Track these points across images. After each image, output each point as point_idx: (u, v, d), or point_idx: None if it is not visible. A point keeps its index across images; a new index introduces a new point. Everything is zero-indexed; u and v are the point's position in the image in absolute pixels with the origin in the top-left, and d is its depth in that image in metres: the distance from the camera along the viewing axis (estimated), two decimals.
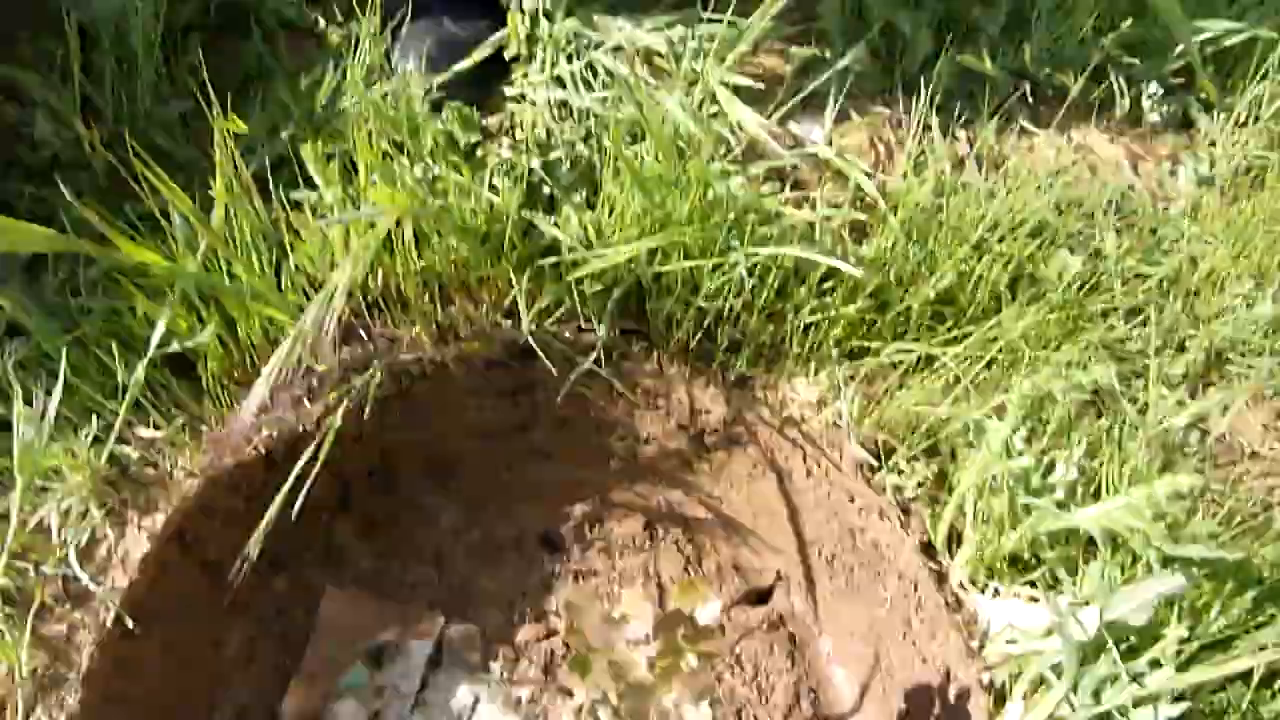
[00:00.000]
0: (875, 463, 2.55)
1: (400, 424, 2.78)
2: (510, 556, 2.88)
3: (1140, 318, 2.78)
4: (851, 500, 2.62)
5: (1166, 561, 1.95)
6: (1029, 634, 2.17)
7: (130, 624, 2.25)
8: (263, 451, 2.52)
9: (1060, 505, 2.13)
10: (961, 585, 2.43)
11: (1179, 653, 1.98)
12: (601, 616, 1.85)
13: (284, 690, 2.58)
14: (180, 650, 2.50)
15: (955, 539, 2.51)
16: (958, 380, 2.49)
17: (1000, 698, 2.24)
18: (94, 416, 2.39)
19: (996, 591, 2.33)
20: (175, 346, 2.49)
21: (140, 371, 2.37)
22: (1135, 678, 1.89)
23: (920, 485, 2.51)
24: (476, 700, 2.62)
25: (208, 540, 2.49)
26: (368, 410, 2.60)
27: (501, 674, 2.67)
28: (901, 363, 2.58)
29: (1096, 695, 1.95)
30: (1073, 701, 1.98)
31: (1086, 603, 2.08)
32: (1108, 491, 2.25)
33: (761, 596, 2.93)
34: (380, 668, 2.65)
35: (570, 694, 2.63)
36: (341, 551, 2.83)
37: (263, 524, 2.30)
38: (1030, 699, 2.11)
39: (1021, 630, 2.19)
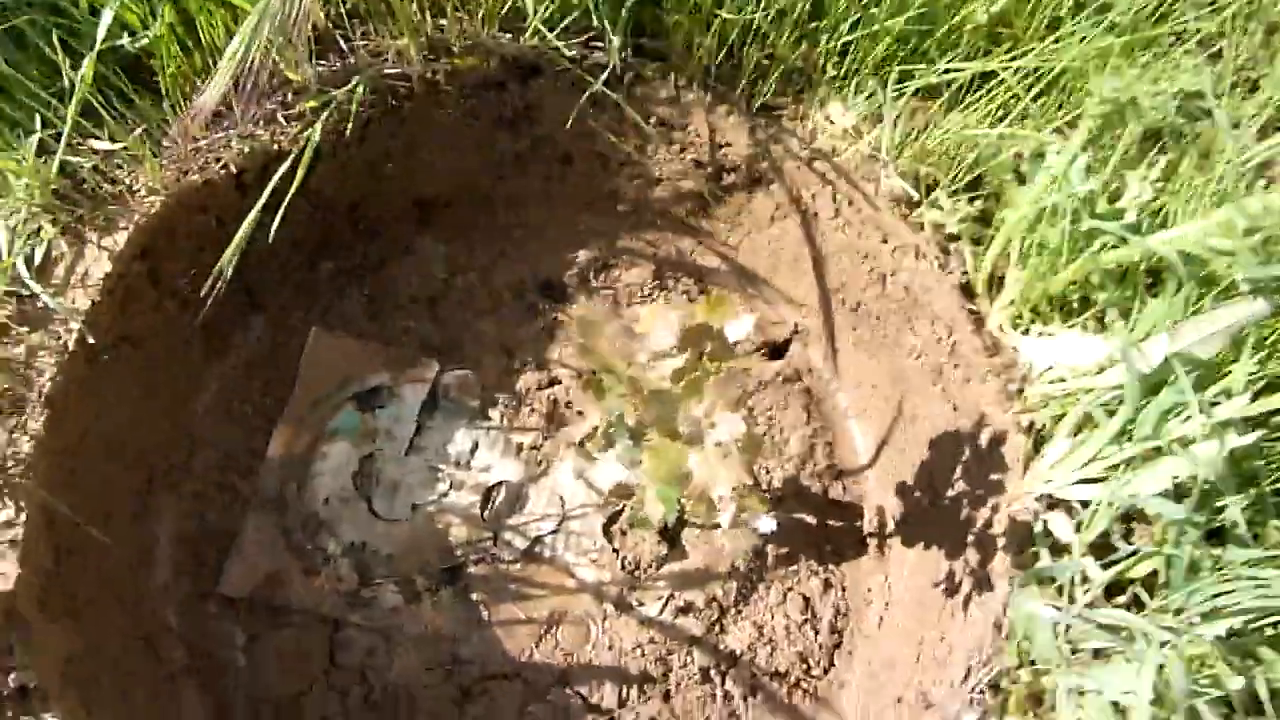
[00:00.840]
0: (915, 195, 2.30)
1: (384, 153, 2.50)
2: (509, 303, 2.66)
3: (1213, 49, 2.47)
4: (885, 241, 2.38)
5: (1255, 289, 1.75)
6: (1078, 371, 1.99)
7: (93, 344, 2.04)
8: (234, 171, 2.24)
9: (1131, 230, 1.90)
10: (1001, 329, 2.24)
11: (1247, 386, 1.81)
12: (619, 330, 1.64)
13: (269, 435, 2.41)
14: (153, 387, 2.31)
15: (996, 282, 2.29)
16: (1015, 100, 2.20)
17: (1039, 442, 2.08)
18: (38, 119, 2.09)
19: (1039, 335, 2.13)
20: (126, 42, 2.17)
21: (87, 68, 2.05)
22: (1204, 408, 1.72)
23: (962, 222, 2.27)
24: (475, 446, 2.47)
25: (175, 264, 2.24)
26: (348, 130, 2.32)
27: (502, 420, 2.50)
28: (953, 82, 2.29)
29: (1156, 429, 1.78)
30: (1130, 434, 1.81)
31: (1147, 336, 1.88)
32: (1178, 220, 2.01)
33: (777, 350, 2.75)
34: (372, 412, 2.48)
35: (580, 417, 2.48)
36: (327, 295, 2.60)
37: (236, 241, 2.06)
38: (1075, 439, 1.95)
39: (1070, 368, 2.00)
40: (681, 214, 2.73)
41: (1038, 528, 1.97)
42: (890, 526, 2.47)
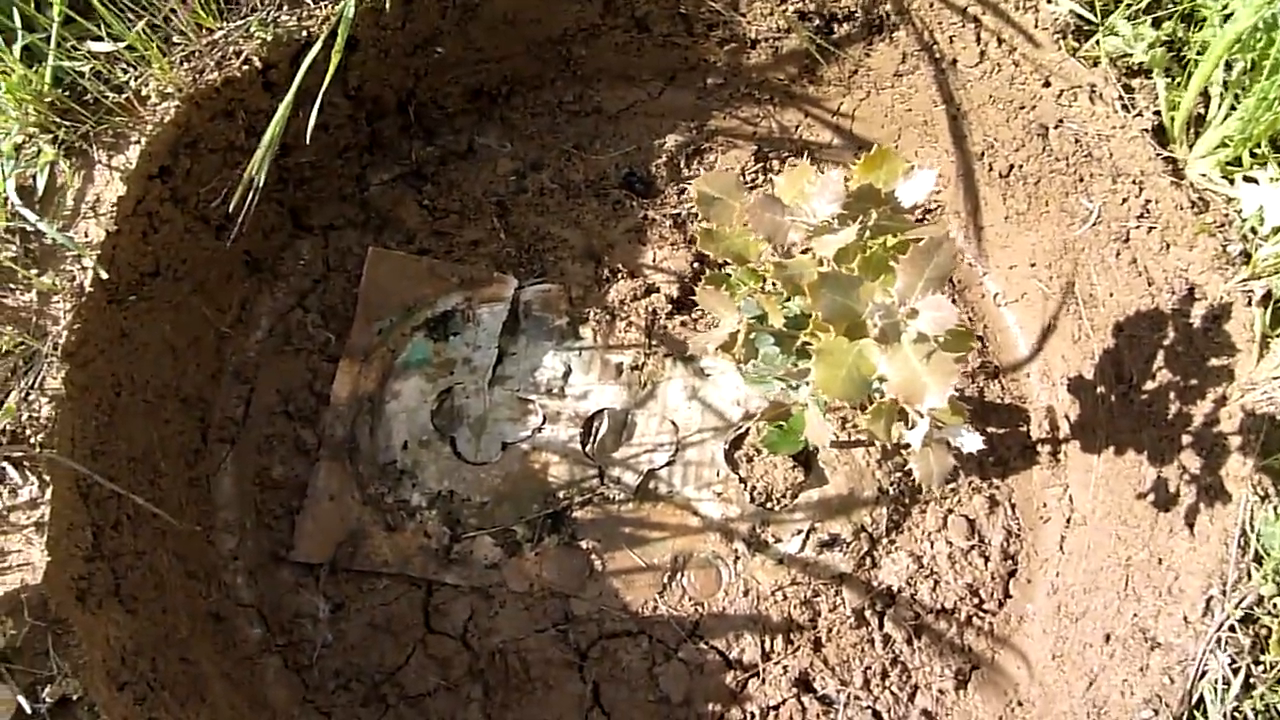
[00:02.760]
0: (1091, 20, 1.82)
1: (433, 33, 2.08)
2: (589, 203, 2.25)
3: None
4: (1047, 84, 1.91)
5: None
6: None
7: (113, 282, 1.69)
8: (257, 65, 1.84)
9: None
10: (1207, 178, 1.77)
11: None
12: (760, 204, 1.23)
13: (332, 374, 2.06)
14: (193, 328, 1.96)
15: (1195, 123, 1.82)
16: None
17: (1276, 315, 1.64)
18: (17, 16, 1.71)
19: (1255, 181, 1.66)
20: None
21: None
22: None
23: (1151, 48, 1.79)
24: (568, 370, 2.09)
25: (201, 182, 1.87)
26: (388, 6, 1.90)
27: (596, 338, 2.12)
28: None
29: None
30: None
31: None
32: None
33: None
34: (446, 339, 2.11)
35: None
36: (382, 209, 2.22)
37: (265, 144, 1.67)
38: None
39: None
40: (784, 81, 2.27)
41: None
42: (1064, 429, 2.05)
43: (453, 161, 2.29)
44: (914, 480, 1.99)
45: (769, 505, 2.00)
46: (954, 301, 2.18)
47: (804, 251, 1.29)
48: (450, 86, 2.23)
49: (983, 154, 2.10)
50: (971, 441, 1.32)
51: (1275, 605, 1.51)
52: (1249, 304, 1.64)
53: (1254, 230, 1.70)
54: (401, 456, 2.01)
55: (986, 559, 1.99)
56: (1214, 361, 1.69)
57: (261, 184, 1.72)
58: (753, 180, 2.28)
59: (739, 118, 2.33)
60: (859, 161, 1.30)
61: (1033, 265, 2.11)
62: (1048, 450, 2.06)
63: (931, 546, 1.99)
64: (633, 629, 1.91)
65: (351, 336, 2.09)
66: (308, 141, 1.78)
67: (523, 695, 1.86)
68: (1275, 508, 1.52)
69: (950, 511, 2.01)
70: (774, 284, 1.26)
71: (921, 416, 1.31)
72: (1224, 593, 1.54)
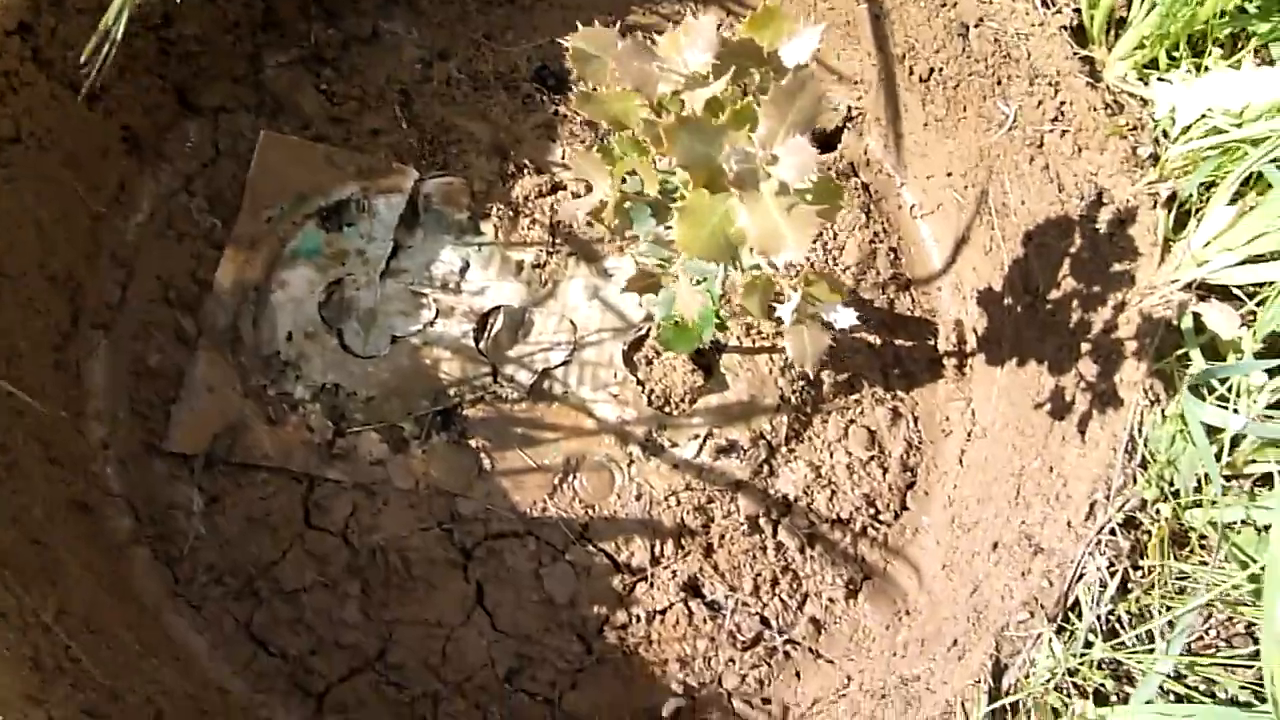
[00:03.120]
0: None
1: None
2: (498, 96, 2.14)
3: None
4: None
5: None
6: (1241, 116, 1.48)
7: None
8: None
9: None
10: (1125, 78, 1.71)
11: None
12: (633, 55, 1.14)
13: (216, 261, 1.95)
14: (66, 205, 1.84)
15: (1115, 25, 1.75)
16: None
17: (1182, 218, 1.59)
18: None
19: (1182, 79, 1.60)
20: None
21: None
22: None
23: None
24: (466, 265, 2.00)
25: (66, 44, 1.74)
26: None
27: (497, 235, 2.02)
28: None
29: None
30: None
31: None
32: None
33: (826, 141, 2.23)
34: (339, 230, 2.01)
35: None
36: (277, 92, 2.09)
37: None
38: (1238, 207, 1.45)
39: (1230, 113, 1.49)
40: None
41: (1185, 323, 1.50)
42: (971, 343, 2.00)
43: (355, 46, 2.16)
44: (818, 391, 1.96)
45: (667, 409, 1.94)
46: (867, 213, 2.12)
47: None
48: None
49: (904, 56, 2.02)
50: (845, 317, 1.26)
51: (1158, 510, 1.48)
52: (1154, 206, 1.59)
53: (1165, 133, 1.64)
54: (286, 348, 1.91)
55: (885, 470, 1.95)
56: (1117, 267, 1.64)
57: (132, 49, 1.60)
58: None
59: (660, 13, 2.22)
60: (750, 16, 1.22)
61: (949, 175, 2.04)
62: (953, 364, 2.01)
63: (830, 456, 1.94)
64: (520, 530, 1.85)
65: (238, 223, 1.98)
66: (186, 8, 1.65)
67: (403, 594, 1.80)
68: (1163, 411, 1.48)
69: (852, 422, 1.97)
70: (647, 142, 1.18)
71: (795, 291, 1.24)
72: (1108, 497, 1.50)
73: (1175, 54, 1.67)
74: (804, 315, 1.23)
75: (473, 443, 1.89)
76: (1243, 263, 1.44)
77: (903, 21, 1.98)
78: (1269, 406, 1.38)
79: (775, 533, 1.89)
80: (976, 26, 1.85)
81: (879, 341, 2.03)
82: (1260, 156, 1.44)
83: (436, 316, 1.96)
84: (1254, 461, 1.42)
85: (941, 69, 1.96)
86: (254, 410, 1.87)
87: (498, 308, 1.97)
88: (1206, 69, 1.55)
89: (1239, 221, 1.44)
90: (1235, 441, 1.42)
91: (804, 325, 1.24)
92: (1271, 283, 1.40)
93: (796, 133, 1.00)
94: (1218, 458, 1.40)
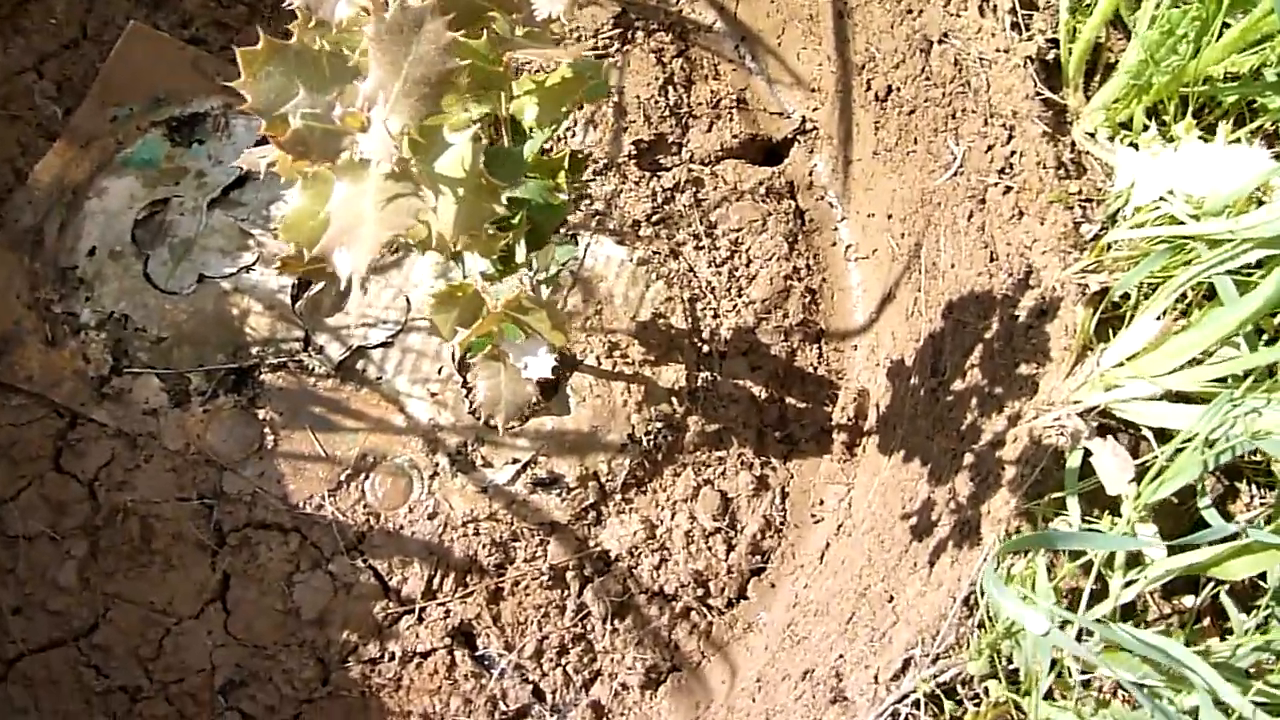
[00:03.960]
0: None
1: None
2: None
3: None
4: None
5: None
6: (1204, 207, 1.10)
7: None
8: None
9: None
10: (1093, 135, 1.34)
11: None
12: None
13: (45, 150, 1.71)
14: None
15: (1104, 70, 1.38)
16: None
17: (1109, 321, 1.22)
18: None
19: (1134, 146, 1.23)
20: None
21: None
22: None
23: None
24: None
25: None
26: None
27: None
28: None
29: None
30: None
31: None
32: None
33: (772, 152, 1.89)
34: (187, 145, 1.75)
35: None
36: None
37: None
38: (1171, 324, 1.09)
39: (1195, 200, 1.11)
40: None
41: (1072, 459, 1.14)
42: (871, 420, 1.65)
43: None
44: (677, 437, 1.63)
45: (490, 422, 1.64)
46: (793, 243, 1.77)
47: None
48: None
49: (863, 67, 1.67)
50: (538, 365, 0.93)
51: (986, 690, 1.13)
52: (1078, 302, 1.23)
53: (1122, 208, 1.27)
54: (85, 264, 1.67)
55: (731, 548, 1.62)
56: (1023, 369, 1.28)
57: None
58: (604, 46, 1.86)
59: None
60: None
61: (889, 217, 1.69)
62: (844, 440, 1.67)
63: (671, 517, 1.62)
64: (286, 524, 1.57)
65: (77, 115, 1.74)
66: None
67: (135, 567, 1.54)
68: (1009, 568, 1.12)
69: (707, 483, 1.64)
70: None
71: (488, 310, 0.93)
72: (928, 656, 1.15)
73: (1162, 113, 1.30)
74: (500, 354, 0.92)
75: (261, 413, 1.62)
76: (1159, 397, 1.08)
77: (865, 24, 1.63)
78: (1123, 610, 1.01)
79: (581, 592, 1.58)
80: (940, 43, 1.49)
81: (765, 395, 1.69)
82: (1213, 263, 1.07)
83: (256, 262, 1.69)
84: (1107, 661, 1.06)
85: (899, 88, 1.60)
86: (33, 324, 1.63)
87: None
88: (1175, 138, 1.17)
89: (1165, 341, 1.07)
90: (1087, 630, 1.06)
91: (501, 366, 0.93)
92: (1188, 435, 1.03)
93: (417, 96, 0.68)
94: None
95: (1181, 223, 1.13)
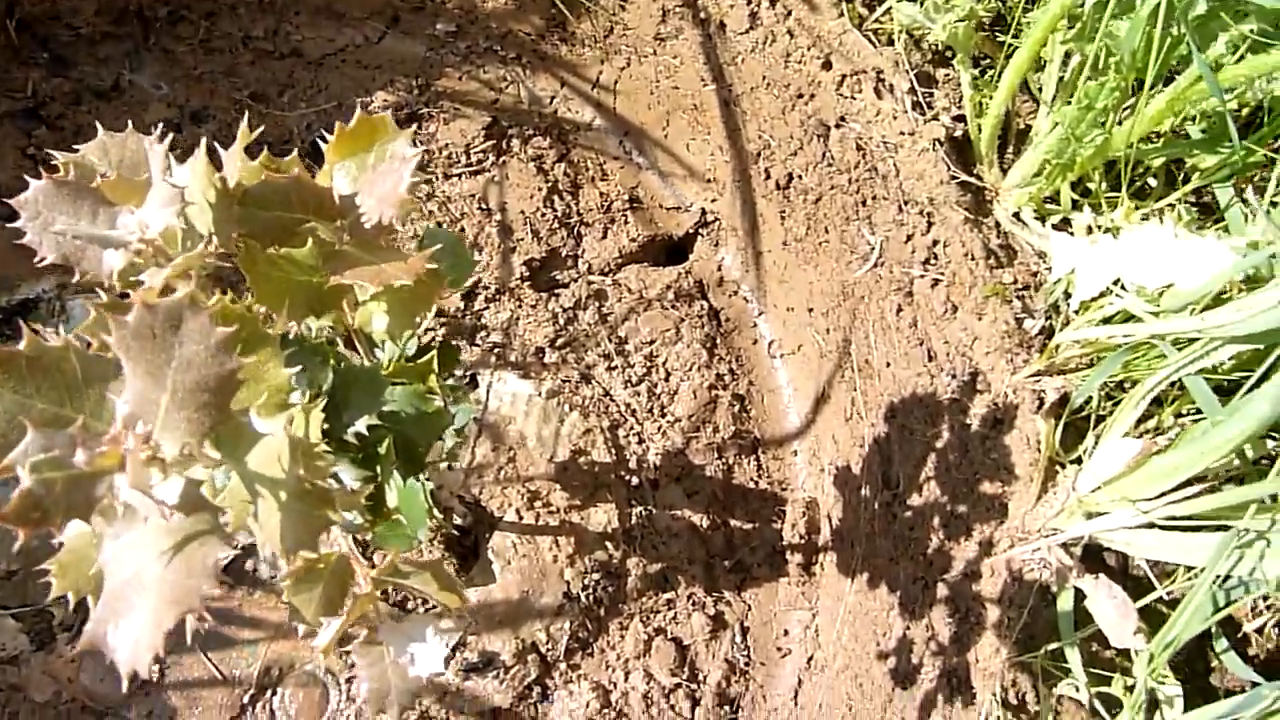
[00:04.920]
0: None
1: None
2: None
3: None
4: (827, 65, 1.35)
5: None
6: (1163, 302, 0.98)
7: None
8: None
9: None
10: (1018, 218, 1.22)
11: None
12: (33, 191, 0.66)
13: None
14: None
15: (1015, 139, 1.26)
16: None
17: (1072, 433, 1.09)
18: None
19: (1092, 228, 1.10)
20: None
21: None
22: None
23: (960, 23, 1.22)
24: None
25: None
26: None
27: None
28: None
29: None
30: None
31: None
32: None
33: (674, 251, 1.74)
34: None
35: None
36: None
37: None
38: (1146, 438, 0.96)
39: (1147, 294, 0.99)
40: (530, 35, 1.69)
41: (1062, 600, 0.99)
42: (824, 534, 1.50)
43: (89, 101, 1.69)
44: (618, 586, 1.46)
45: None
46: (711, 349, 1.62)
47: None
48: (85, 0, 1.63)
49: (759, 155, 1.53)
50: (428, 658, 0.75)
51: None
52: (1038, 410, 1.09)
53: (1067, 298, 1.14)
54: None
55: (695, 702, 1.44)
56: (987, 486, 1.14)
57: None
58: (478, 162, 1.70)
59: (478, 79, 1.74)
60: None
61: (810, 310, 1.55)
62: (800, 560, 1.51)
63: (625, 678, 1.44)
64: None
65: None
66: None
67: None
68: None
69: (659, 632, 1.46)
70: None
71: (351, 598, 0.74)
72: None
73: (1091, 188, 1.18)
74: (373, 639, 0.74)
75: None
76: (1149, 526, 0.94)
77: (755, 112, 1.50)
78: None
79: None
80: (837, 127, 1.36)
81: (707, 522, 1.52)
82: (1183, 363, 0.94)
83: None
84: None
85: (801, 176, 1.47)
86: None
87: None
88: (1113, 225, 1.05)
89: (1145, 463, 0.93)
90: None
91: (384, 651, 0.75)
92: (1190, 569, 0.89)
93: (194, 407, 0.51)
94: None
95: (1138, 319, 1.00)
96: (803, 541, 1.51)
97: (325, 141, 1.60)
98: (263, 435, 0.57)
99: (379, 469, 0.81)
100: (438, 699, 1.39)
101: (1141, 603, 0.93)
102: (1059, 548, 1.00)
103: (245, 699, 1.38)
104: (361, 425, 0.81)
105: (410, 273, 0.70)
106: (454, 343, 0.88)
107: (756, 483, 1.57)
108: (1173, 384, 0.98)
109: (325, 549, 0.73)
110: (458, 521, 1.42)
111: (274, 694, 1.39)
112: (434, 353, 0.84)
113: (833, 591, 1.44)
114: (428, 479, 1.16)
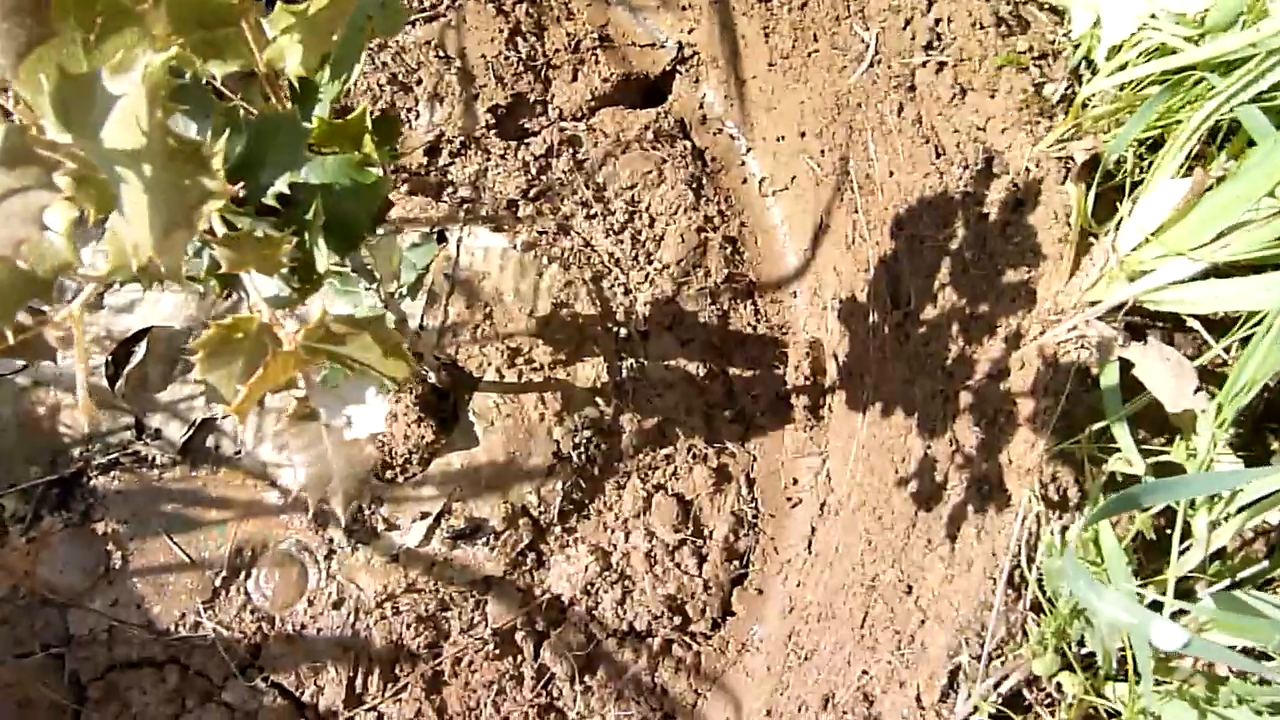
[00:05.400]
0: None
1: None
2: None
3: None
4: None
5: None
6: (1199, 24, 0.85)
7: None
8: None
9: None
10: None
11: None
12: None
13: None
14: None
15: None
16: None
17: (1111, 195, 0.96)
18: None
19: None
20: None
21: None
22: None
23: None
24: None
25: None
26: None
27: None
28: None
29: None
30: None
31: None
32: None
33: (652, 91, 1.60)
34: None
35: None
36: None
37: None
38: (1197, 177, 0.83)
39: (1188, 19, 0.85)
40: None
41: (1106, 375, 0.87)
42: (831, 372, 1.38)
43: None
44: (612, 442, 1.35)
45: (385, 475, 1.32)
46: (698, 190, 1.49)
47: None
48: None
49: None
50: (367, 417, 0.63)
51: (1059, 686, 0.87)
52: (1064, 179, 0.96)
53: (1087, 61, 1.01)
54: None
55: (702, 558, 1.33)
56: (1010, 275, 1.02)
57: None
58: (432, 6, 1.55)
59: None
60: None
61: (803, 135, 1.41)
62: (806, 403, 1.39)
63: (626, 539, 1.33)
64: (158, 656, 1.24)
65: None
66: None
67: None
68: (1064, 529, 0.86)
69: (659, 489, 1.35)
70: None
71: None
72: (979, 659, 0.89)
73: None
74: (305, 410, 0.62)
75: (100, 527, 1.28)
76: (1202, 276, 0.82)
77: None
78: (1242, 575, 0.76)
79: (537, 654, 1.28)
80: None
81: (703, 371, 1.41)
82: (1232, 91, 0.81)
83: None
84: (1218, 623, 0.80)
85: None
86: None
87: (146, 331, 1.35)
88: None
89: (1199, 204, 0.81)
90: (1188, 588, 0.80)
91: (318, 425, 0.63)
92: (1254, 314, 0.77)
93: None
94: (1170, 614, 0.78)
95: (1176, 52, 0.86)
96: (808, 384, 1.40)
97: None
98: (115, 97, 0.44)
99: (306, 235, 0.68)
100: (425, 570, 1.29)
101: (1198, 363, 0.82)
102: (1098, 321, 0.88)
103: (217, 582, 1.27)
104: (282, 185, 0.68)
105: None
106: (391, 116, 0.76)
107: (754, 327, 1.45)
108: (1218, 123, 0.85)
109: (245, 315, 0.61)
110: (433, 382, 1.30)
111: (248, 576, 1.28)
112: (365, 105, 0.71)
113: (843, 431, 1.33)
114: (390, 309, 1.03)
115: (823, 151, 1.37)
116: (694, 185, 1.49)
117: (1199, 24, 0.85)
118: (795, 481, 1.38)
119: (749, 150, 1.52)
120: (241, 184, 0.68)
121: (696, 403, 1.40)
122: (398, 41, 1.52)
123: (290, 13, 0.67)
